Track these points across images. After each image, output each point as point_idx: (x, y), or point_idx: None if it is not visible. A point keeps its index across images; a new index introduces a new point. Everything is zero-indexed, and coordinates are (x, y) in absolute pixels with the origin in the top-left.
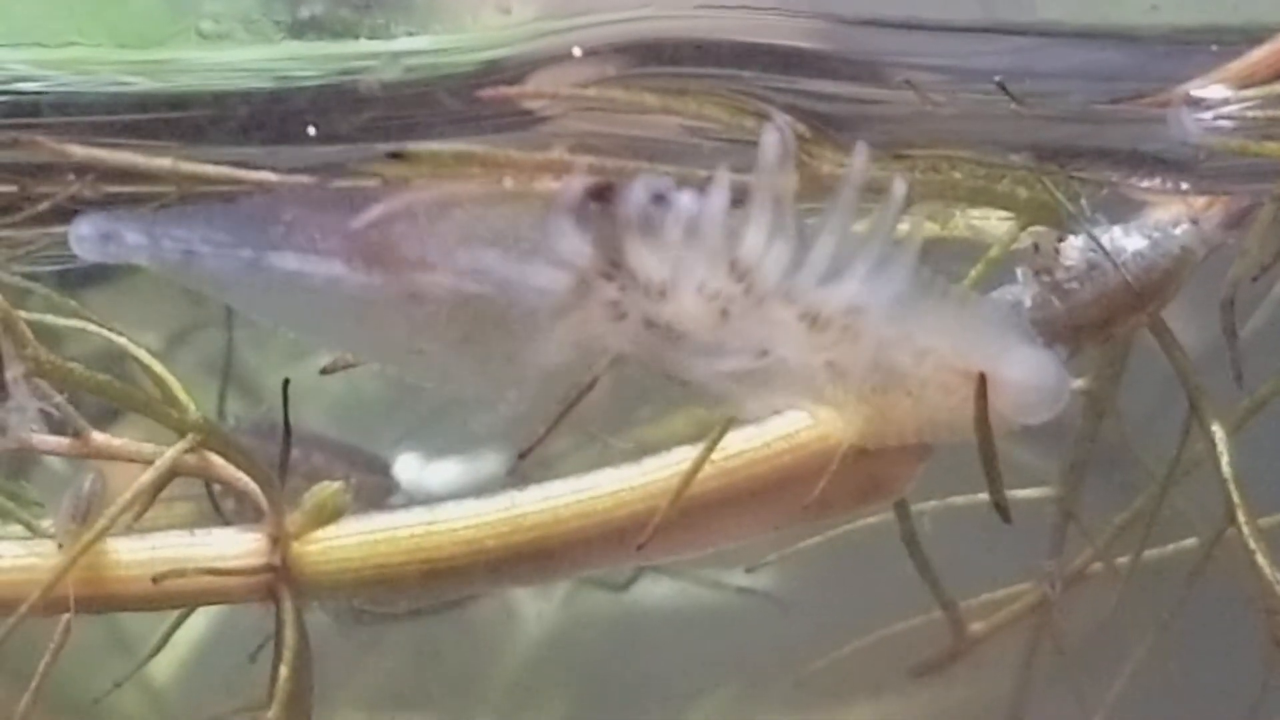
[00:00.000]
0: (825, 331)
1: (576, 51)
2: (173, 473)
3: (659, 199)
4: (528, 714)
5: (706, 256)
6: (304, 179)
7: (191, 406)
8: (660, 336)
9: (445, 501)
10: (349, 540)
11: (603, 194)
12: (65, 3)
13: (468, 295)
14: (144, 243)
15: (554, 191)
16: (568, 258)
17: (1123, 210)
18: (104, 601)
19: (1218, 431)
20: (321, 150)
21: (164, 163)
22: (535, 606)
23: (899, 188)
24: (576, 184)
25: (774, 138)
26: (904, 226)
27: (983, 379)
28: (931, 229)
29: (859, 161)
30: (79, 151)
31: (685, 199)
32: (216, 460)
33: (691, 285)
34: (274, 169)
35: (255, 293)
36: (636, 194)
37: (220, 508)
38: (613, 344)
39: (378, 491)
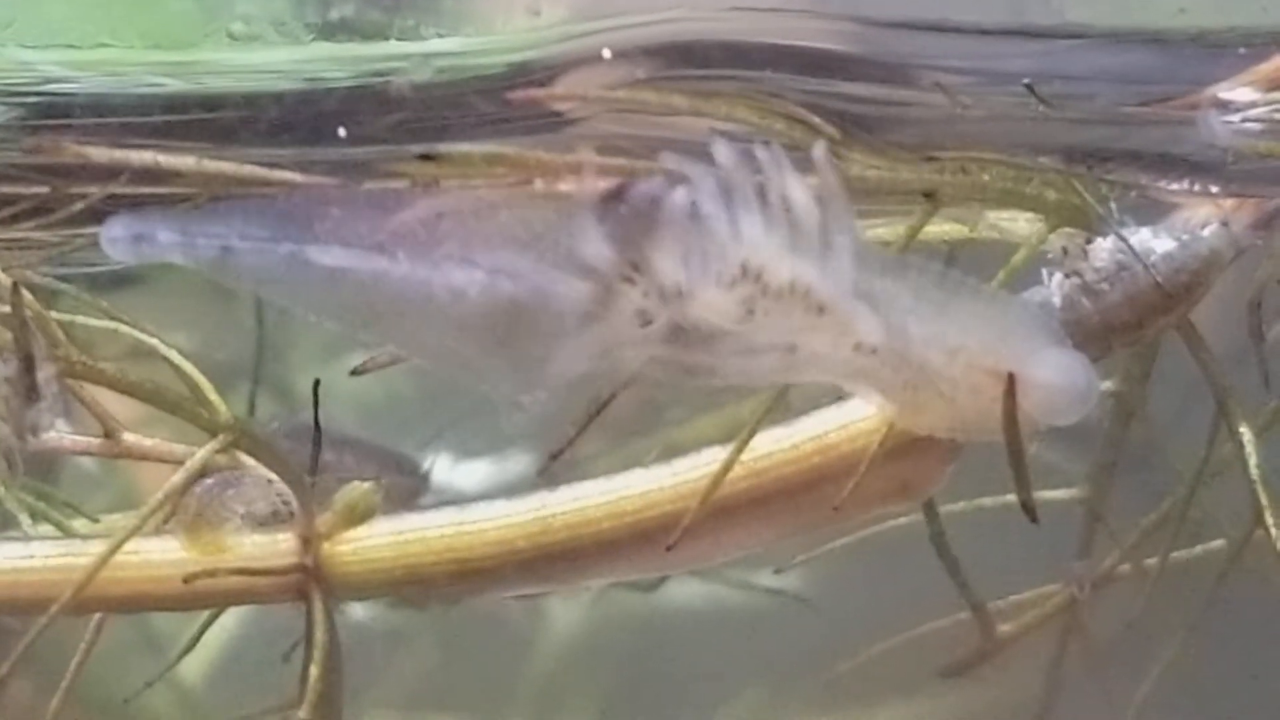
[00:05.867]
0: (831, 315)
1: (606, 54)
2: (204, 473)
3: (657, 198)
4: (557, 715)
5: (717, 248)
6: (328, 180)
7: (223, 407)
8: (691, 341)
9: (476, 502)
10: (380, 540)
11: (618, 196)
12: (97, 4)
13: (504, 297)
14: (177, 241)
15: (572, 196)
16: (590, 264)
17: (1151, 212)
18: (135, 602)
19: (1245, 433)
20: (352, 151)
21: (187, 162)
22: (564, 607)
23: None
24: (593, 188)
25: (721, 144)
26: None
27: (1011, 379)
28: (960, 230)
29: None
30: (100, 154)
31: (680, 194)
32: (248, 461)
33: (709, 280)
34: (303, 170)
35: (293, 287)
36: (638, 194)
37: None
38: (644, 354)
39: (408, 492)
